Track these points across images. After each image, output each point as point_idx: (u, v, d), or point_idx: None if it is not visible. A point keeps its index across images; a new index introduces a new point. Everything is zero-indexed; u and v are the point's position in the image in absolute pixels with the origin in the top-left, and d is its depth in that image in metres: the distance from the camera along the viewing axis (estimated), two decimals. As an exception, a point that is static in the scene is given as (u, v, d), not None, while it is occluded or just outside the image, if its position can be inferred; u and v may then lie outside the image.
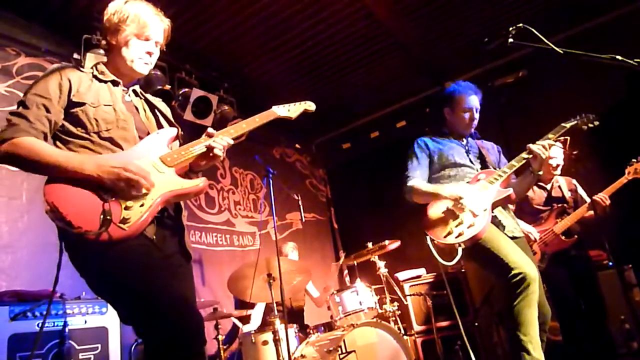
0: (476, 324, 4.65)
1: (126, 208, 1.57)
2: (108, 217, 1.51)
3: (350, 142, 7.06)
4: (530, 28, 1.96)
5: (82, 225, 1.50)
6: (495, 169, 2.92)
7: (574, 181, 4.02)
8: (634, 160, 3.63)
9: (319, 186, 7.30)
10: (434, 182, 2.90)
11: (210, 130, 1.83)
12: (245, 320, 4.30)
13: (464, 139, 3.06)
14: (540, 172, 2.73)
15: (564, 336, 3.67)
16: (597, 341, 3.59)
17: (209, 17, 4.46)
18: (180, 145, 1.92)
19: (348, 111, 6.61)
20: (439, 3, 4.78)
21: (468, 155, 2.97)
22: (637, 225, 4.31)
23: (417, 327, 4.68)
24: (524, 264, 2.47)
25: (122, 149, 1.74)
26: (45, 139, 1.67)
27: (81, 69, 1.87)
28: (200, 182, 1.77)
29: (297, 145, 7.03)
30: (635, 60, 1.56)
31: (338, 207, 7.26)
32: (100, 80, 1.85)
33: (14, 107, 1.73)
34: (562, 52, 1.80)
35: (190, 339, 1.54)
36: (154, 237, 1.71)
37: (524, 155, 2.72)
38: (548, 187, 3.96)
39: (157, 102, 2.06)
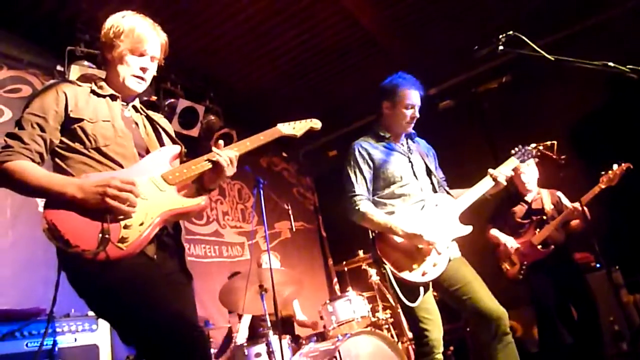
0: (467, 329, 4.67)
1: (125, 227, 1.53)
2: (106, 236, 1.47)
3: (336, 149, 7.05)
4: (521, 35, 1.98)
5: (79, 244, 1.46)
6: (436, 179, 2.78)
7: (559, 193, 4.09)
8: (609, 170, 3.68)
9: (307, 194, 7.28)
10: (381, 203, 2.65)
11: (220, 142, 1.81)
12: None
13: (404, 145, 2.81)
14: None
15: (542, 342, 3.72)
16: (585, 344, 3.64)
17: (194, 27, 4.44)
18: (182, 162, 1.88)
19: (334, 119, 6.59)
20: (424, 12, 4.83)
21: (412, 168, 2.73)
22: (625, 227, 4.38)
23: (409, 334, 4.66)
24: (435, 330, 2.46)
25: (122, 166, 1.70)
26: (42, 158, 1.65)
27: (79, 83, 1.83)
28: (201, 200, 1.73)
29: (283, 154, 7.00)
30: (628, 67, 1.59)
31: (326, 215, 7.24)
32: (98, 95, 1.81)
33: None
34: (553, 59, 1.83)
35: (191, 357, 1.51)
36: (155, 256, 1.67)
37: (487, 182, 2.66)
38: (529, 199, 4.08)
39: (159, 118, 2.03)
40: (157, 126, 1.96)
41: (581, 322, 3.68)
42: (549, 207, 3.99)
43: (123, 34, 1.80)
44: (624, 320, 4.08)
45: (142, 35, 1.81)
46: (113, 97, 1.85)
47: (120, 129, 1.77)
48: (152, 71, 1.89)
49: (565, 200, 4.03)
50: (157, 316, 1.51)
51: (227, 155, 1.77)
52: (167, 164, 1.77)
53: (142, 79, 1.85)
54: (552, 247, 3.78)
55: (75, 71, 3.73)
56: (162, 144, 1.91)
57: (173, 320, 1.53)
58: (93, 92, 1.81)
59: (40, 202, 1.61)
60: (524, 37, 1.96)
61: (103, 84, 1.87)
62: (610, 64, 1.64)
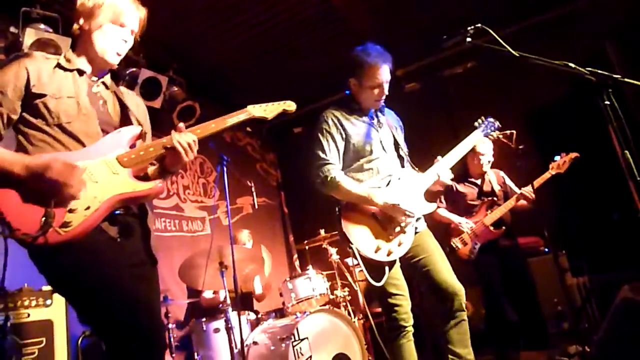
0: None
1: (70, 211, 1.49)
2: (49, 221, 1.43)
3: (302, 126, 7.02)
4: (488, 29, 2.01)
5: (20, 227, 1.42)
6: (404, 153, 2.76)
7: (502, 173, 4.23)
8: (557, 157, 3.81)
9: (270, 170, 7.25)
10: (348, 175, 2.57)
11: (180, 125, 1.75)
12: (196, 307, 4.26)
13: (374, 118, 2.71)
14: None
15: (488, 320, 3.90)
16: (528, 323, 3.85)
17: (159, -6, 4.27)
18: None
19: (300, 96, 6.49)
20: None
21: (381, 142, 2.66)
22: (571, 214, 4.60)
23: (366, 311, 4.80)
24: (405, 304, 2.49)
25: (84, 144, 1.65)
26: None
27: (46, 56, 1.76)
28: (154, 184, 1.69)
29: (248, 129, 6.91)
30: (588, 69, 1.65)
31: (289, 192, 7.26)
32: (64, 69, 1.75)
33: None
34: (517, 55, 1.87)
35: (149, 343, 1.52)
36: (118, 237, 1.65)
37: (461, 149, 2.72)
38: (478, 182, 4.17)
39: (130, 96, 1.96)
40: (127, 105, 1.88)
41: (522, 301, 3.85)
42: (497, 188, 4.12)
43: (104, 5, 1.75)
44: (567, 301, 4.34)
45: (124, 8, 1.77)
46: (80, 72, 1.78)
47: (84, 105, 1.71)
48: (129, 44, 1.84)
49: (509, 182, 4.17)
50: (115, 300, 1.50)
51: (185, 140, 1.71)
52: (125, 146, 1.71)
53: (121, 51, 1.81)
54: (504, 228, 3.90)
55: (30, 35, 3.52)
56: (129, 123, 1.84)
57: (131, 305, 1.52)
58: (59, 65, 1.74)
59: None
60: (491, 31, 2.00)
61: (72, 57, 1.79)
62: (571, 64, 1.70)
